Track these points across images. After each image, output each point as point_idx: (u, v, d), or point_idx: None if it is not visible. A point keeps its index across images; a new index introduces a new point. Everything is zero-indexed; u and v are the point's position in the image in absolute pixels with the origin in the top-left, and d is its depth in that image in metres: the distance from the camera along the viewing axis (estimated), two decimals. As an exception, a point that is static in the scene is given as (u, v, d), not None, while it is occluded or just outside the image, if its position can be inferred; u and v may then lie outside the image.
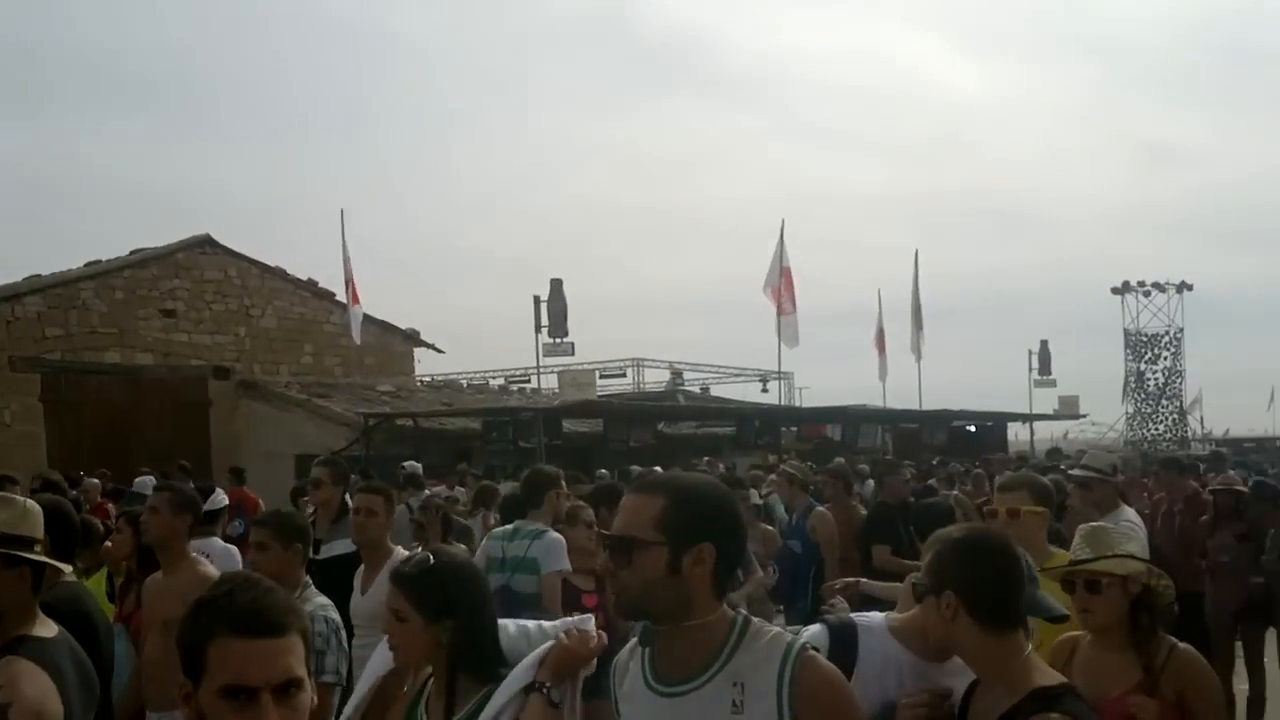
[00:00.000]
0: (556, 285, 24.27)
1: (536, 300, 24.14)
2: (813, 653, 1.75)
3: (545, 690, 2.01)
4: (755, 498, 6.21)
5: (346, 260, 18.74)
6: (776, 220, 29.31)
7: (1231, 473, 9.22)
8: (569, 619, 2.28)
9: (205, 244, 19.66)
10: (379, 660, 2.39)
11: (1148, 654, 2.58)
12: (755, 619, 1.80)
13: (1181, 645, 2.67)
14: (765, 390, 29.15)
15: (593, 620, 2.23)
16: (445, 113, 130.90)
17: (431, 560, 2.20)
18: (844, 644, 2.07)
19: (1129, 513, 5.00)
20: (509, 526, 4.78)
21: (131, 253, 18.85)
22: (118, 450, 14.89)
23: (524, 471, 5.66)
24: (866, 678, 2.00)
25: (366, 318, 19.95)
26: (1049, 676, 2.02)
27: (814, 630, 2.11)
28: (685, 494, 1.77)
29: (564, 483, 4.99)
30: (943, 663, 2.09)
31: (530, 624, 2.27)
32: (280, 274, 20.73)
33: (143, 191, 72.21)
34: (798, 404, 29.41)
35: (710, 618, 1.74)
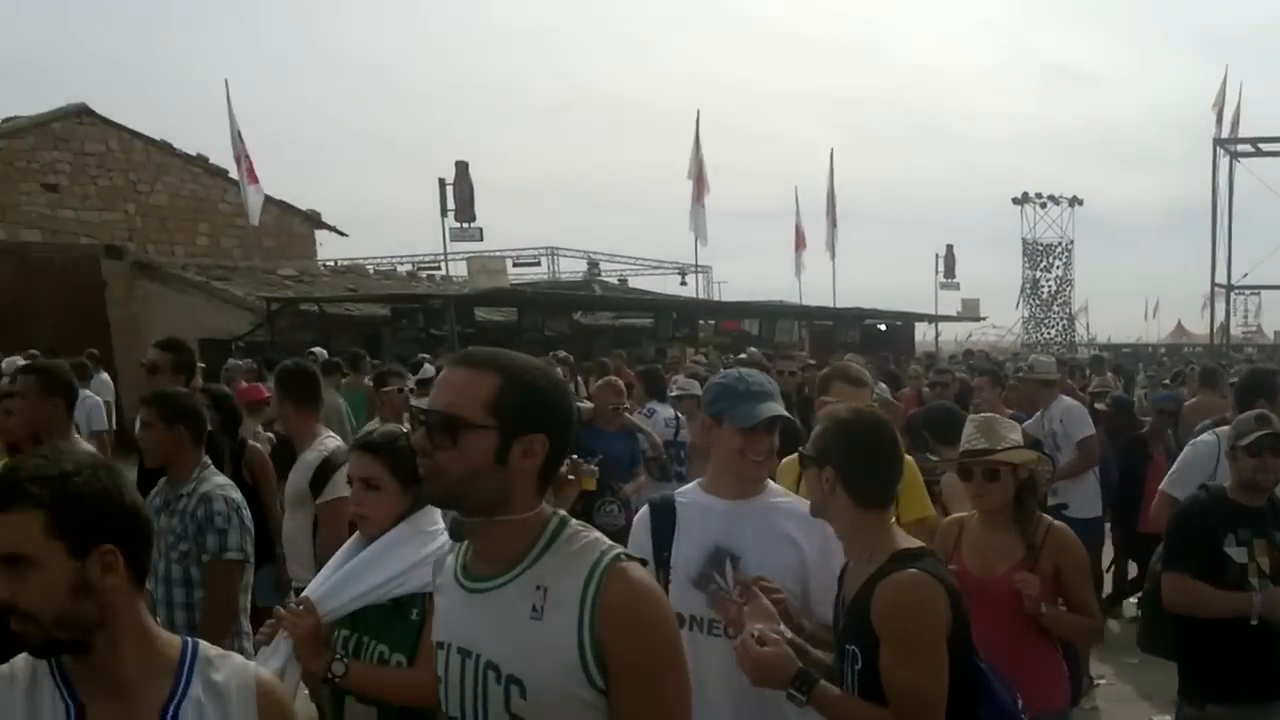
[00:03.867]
0: (462, 168, 23.78)
1: (442, 183, 23.65)
2: (626, 564, 1.58)
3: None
4: (695, 388, 6.30)
5: (237, 136, 17.90)
6: (693, 111, 28.12)
7: (1108, 375, 10.66)
8: None
9: (82, 113, 18.48)
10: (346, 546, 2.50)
11: (1029, 533, 2.89)
12: (574, 522, 1.65)
13: (1056, 523, 2.99)
14: (684, 284, 28.92)
15: None
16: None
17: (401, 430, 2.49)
18: (665, 511, 2.48)
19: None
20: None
21: (4, 120, 17.63)
22: (8, 332, 14.27)
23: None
24: (689, 525, 2.43)
25: (266, 198, 19.29)
26: (909, 542, 2.17)
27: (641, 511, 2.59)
28: (521, 376, 1.57)
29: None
30: (751, 499, 2.44)
31: None
32: (167, 148, 19.72)
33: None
34: (716, 298, 29.22)
35: (526, 515, 1.59)
